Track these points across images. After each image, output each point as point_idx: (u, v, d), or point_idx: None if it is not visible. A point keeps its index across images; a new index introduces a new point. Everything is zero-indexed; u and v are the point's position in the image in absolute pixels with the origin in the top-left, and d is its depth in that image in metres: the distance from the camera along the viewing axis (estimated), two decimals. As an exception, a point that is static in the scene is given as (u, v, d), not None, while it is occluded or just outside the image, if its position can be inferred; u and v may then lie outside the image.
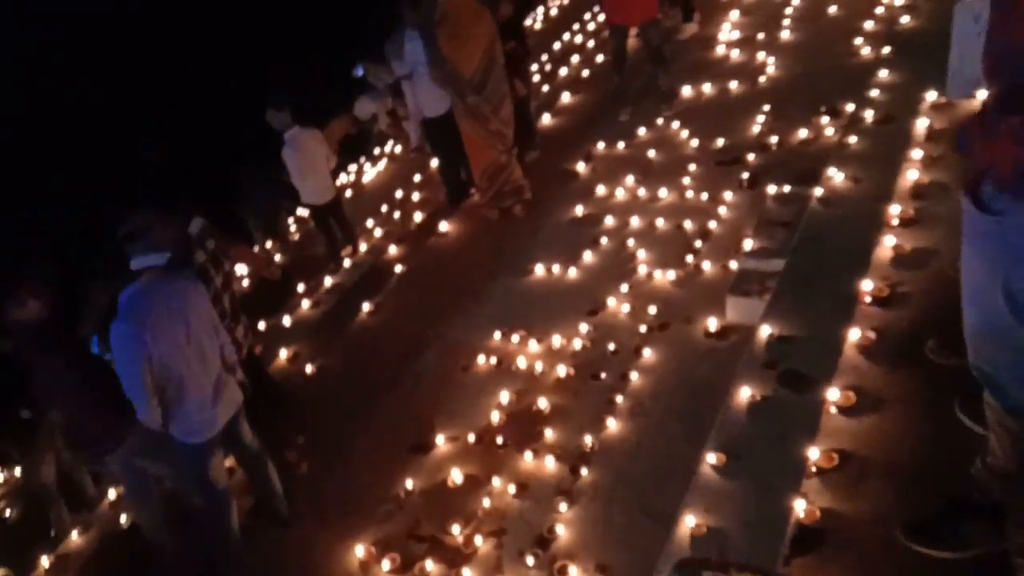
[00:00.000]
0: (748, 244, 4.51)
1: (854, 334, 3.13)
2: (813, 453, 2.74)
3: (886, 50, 5.74)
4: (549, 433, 4.08)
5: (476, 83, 5.65)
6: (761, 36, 7.37)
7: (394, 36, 7.41)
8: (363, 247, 6.91)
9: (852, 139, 4.79)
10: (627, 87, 7.26)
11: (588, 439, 3.93)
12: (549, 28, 10.30)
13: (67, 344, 3.93)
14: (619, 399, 4.09)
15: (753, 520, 2.74)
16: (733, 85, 6.71)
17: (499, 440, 4.17)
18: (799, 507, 2.58)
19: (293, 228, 8.58)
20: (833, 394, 2.90)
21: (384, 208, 7.61)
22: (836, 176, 4.40)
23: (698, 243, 5.05)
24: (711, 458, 3.04)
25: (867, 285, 3.32)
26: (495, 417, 4.31)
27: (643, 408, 4.02)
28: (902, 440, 2.70)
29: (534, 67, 8.72)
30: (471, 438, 4.27)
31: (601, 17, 9.72)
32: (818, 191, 4.34)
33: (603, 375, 4.32)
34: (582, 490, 3.72)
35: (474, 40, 5.56)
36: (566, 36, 9.60)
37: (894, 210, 3.74)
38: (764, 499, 2.78)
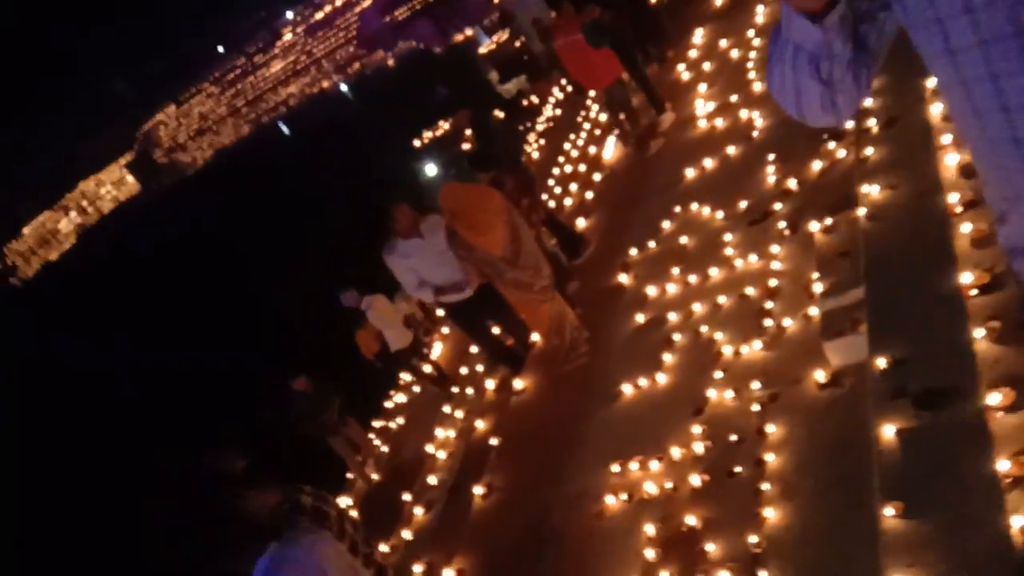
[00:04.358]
0: (818, 287, 4.42)
1: (978, 331, 2.99)
2: (1003, 465, 2.54)
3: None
4: (711, 548, 3.86)
5: (509, 258, 5.78)
6: (735, 98, 7.57)
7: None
8: (451, 433, 6.89)
9: (868, 151, 4.78)
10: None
11: (753, 539, 3.70)
12: (536, 169, 10.68)
13: None
14: (765, 487, 3.88)
15: (966, 560, 2.52)
16: (731, 150, 6.82)
17: (664, 576, 3.95)
18: (1017, 525, 2.36)
19: (376, 440, 8.62)
20: (992, 398, 2.73)
21: (455, 389, 7.64)
22: (871, 191, 4.35)
23: (769, 304, 4.95)
24: (888, 511, 2.84)
25: (966, 278, 3.20)
26: (650, 554, 4.09)
27: (793, 487, 3.81)
28: (1083, 415, 2.51)
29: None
30: (635, 585, 4.05)
31: (581, 141, 10.11)
32: (861, 211, 4.29)
33: (738, 469, 4.12)
34: (770, 595, 3.47)
35: (492, 220, 5.72)
36: (556, 170, 9.93)
37: (952, 198, 3.66)
38: (968, 533, 2.56)
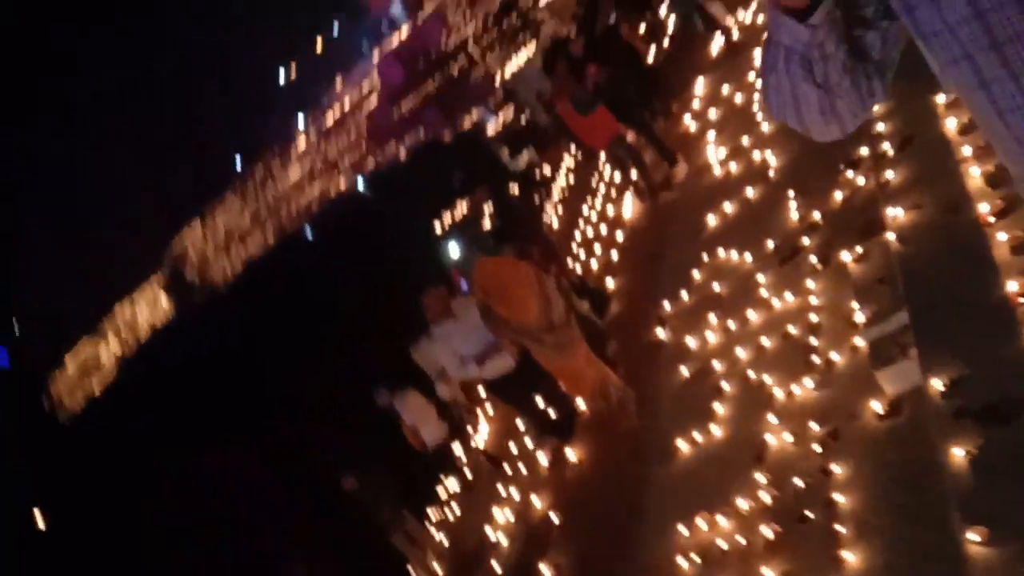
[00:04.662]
0: (860, 317, 4.35)
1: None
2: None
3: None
4: (795, 601, 3.71)
5: (545, 325, 5.80)
6: (746, 140, 7.62)
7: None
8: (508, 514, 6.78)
9: (889, 174, 4.77)
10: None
11: (837, 586, 3.56)
12: (558, 237, 10.77)
13: None
14: (840, 529, 3.74)
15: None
16: (750, 192, 6.83)
17: (750, 637, 3.79)
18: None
19: (434, 531, 8.49)
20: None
21: (507, 468, 7.55)
22: (897, 213, 4.33)
23: (813, 340, 4.87)
24: (972, 536, 2.73)
25: (1012, 286, 3.14)
26: (733, 615, 3.95)
27: (869, 526, 3.67)
28: None
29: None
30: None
31: (598, 203, 10.21)
32: (891, 235, 4.25)
33: (809, 514, 3.99)
34: (866, 643, 3.32)
35: (522, 292, 5.79)
36: (578, 235, 10.00)
37: (983, 209, 3.62)
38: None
